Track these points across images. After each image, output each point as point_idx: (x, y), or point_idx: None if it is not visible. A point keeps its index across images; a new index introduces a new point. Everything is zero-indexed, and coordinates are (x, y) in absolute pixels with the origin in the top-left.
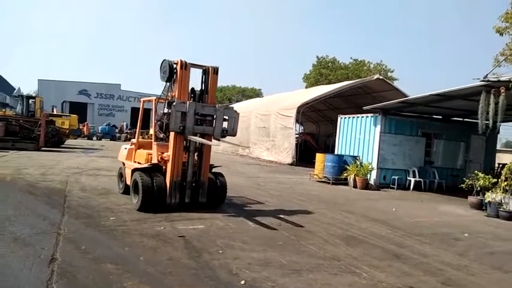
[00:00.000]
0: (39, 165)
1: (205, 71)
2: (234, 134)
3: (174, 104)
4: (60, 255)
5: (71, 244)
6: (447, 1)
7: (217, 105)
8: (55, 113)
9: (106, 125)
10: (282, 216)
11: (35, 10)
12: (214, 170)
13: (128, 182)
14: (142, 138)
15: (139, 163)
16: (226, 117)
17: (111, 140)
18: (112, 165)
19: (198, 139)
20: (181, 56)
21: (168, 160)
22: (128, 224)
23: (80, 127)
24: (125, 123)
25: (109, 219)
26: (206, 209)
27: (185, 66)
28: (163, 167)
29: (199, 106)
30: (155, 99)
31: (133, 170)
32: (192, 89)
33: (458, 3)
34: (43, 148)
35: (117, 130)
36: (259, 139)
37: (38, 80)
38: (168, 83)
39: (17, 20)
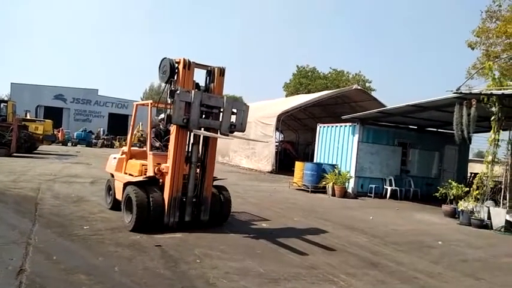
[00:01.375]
0: (10, 172)
1: (210, 72)
2: (242, 130)
3: (178, 92)
4: (30, 266)
5: (41, 254)
6: (424, 15)
7: (225, 97)
8: (28, 117)
9: (82, 131)
10: (260, 224)
11: (10, 9)
12: (216, 182)
13: (118, 196)
14: (120, 145)
15: (131, 175)
16: (235, 111)
17: (87, 146)
18: (87, 172)
19: (204, 132)
20: (155, 64)
21: (167, 172)
22: (103, 233)
23: (55, 133)
24: (101, 129)
25: (82, 228)
26: (209, 228)
27: (188, 66)
28: (161, 180)
29: (206, 96)
30: (151, 103)
31: (126, 184)
32: (197, 84)
33: (436, 17)
34: (15, 154)
35: (93, 136)
36: (239, 147)
37: (11, 83)
38: (167, 85)
39: None
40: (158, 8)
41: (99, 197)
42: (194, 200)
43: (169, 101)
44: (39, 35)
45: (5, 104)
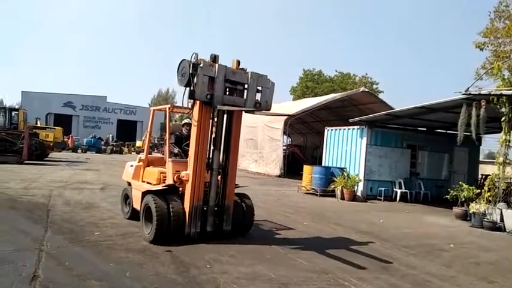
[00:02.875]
0: (22, 179)
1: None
2: (268, 108)
3: (201, 65)
4: (43, 272)
5: (53, 260)
6: (431, 16)
7: (250, 72)
8: (39, 125)
9: (91, 138)
10: (270, 229)
11: (18, 20)
12: (237, 190)
13: (136, 206)
14: (129, 151)
15: (149, 183)
16: (260, 88)
17: (96, 152)
18: (97, 178)
19: (230, 107)
20: (163, 70)
21: (187, 180)
22: (113, 238)
23: (65, 140)
24: (110, 135)
25: (93, 234)
26: (231, 238)
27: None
28: (180, 189)
29: (230, 71)
30: (169, 108)
31: (144, 193)
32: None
33: (442, 18)
34: (26, 161)
35: (102, 142)
36: (247, 151)
37: (22, 91)
38: (187, 88)
39: None
40: (166, 13)
41: (109, 203)
42: (216, 208)
43: (192, 78)
44: (47, 43)
45: (16, 113)
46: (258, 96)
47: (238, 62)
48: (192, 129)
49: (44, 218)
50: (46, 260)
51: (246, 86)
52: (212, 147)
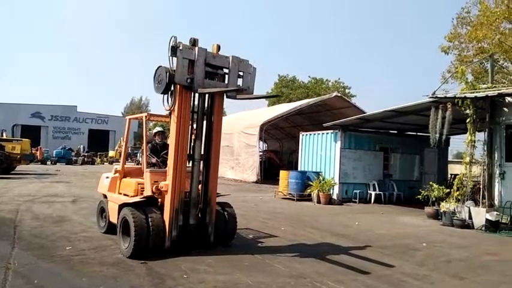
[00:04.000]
0: None
1: (210, 95)
2: (250, 93)
3: (181, 48)
4: None
5: (21, 279)
6: (401, 21)
7: (231, 56)
8: (5, 137)
9: (61, 149)
10: (247, 235)
11: None
12: (219, 199)
13: (112, 219)
14: (101, 161)
15: (126, 195)
16: (241, 74)
17: (67, 164)
18: (68, 191)
19: (212, 89)
20: (139, 77)
21: (166, 191)
22: (86, 252)
23: (33, 151)
24: (81, 146)
25: (65, 249)
26: (214, 249)
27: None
28: (159, 200)
29: (210, 55)
30: (146, 116)
31: (121, 205)
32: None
33: (411, 23)
34: None
35: (73, 153)
36: (223, 158)
37: None
38: (164, 95)
39: None
40: (137, 20)
41: (81, 216)
42: (198, 215)
43: (172, 60)
44: (14, 54)
45: None
46: (240, 82)
47: (219, 47)
48: (171, 121)
49: (11, 234)
50: (13, 279)
51: (227, 70)
52: (193, 138)
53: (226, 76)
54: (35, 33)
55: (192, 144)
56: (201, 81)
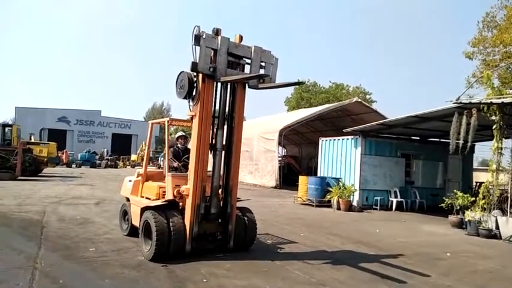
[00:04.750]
0: (15, 196)
1: (232, 85)
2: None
3: (204, 37)
4: None
5: (47, 278)
6: (423, 25)
7: (253, 46)
8: (33, 140)
9: (86, 152)
10: (267, 241)
11: (11, 36)
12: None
13: (135, 222)
14: (124, 165)
15: (148, 198)
16: (263, 64)
17: (91, 167)
18: (91, 193)
19: (234, 77)
20: (158, 83)
21: (187, 195)
22: (108, 254)
23: (59, 155)
24: (105, 149)
25: (88, 250)
26: (233, 254)
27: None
28: (181, 204)
29: (233, 45)
30: (168, 121)
31: (143, 209)
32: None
33: (433, 28)
34: (20, 177)
35: (97, 157)
36: (242, 163)
37: (16, 107)
38: (187, 100)
39: None
40: (161, 26)
41: (104, 218)
42: (220, 204)
43: (195, 49)
44: (41, 58)
45: (10, 129)
46: (262, 72)
47: (241, 37)
48: (195, 109)
49: (37, 234)
50: (40, 278)
51: (249, 61)
52: (216, 127)
53: (248, 66)
54: (61, 40)
55: (215, 134)
56: (223, 70)
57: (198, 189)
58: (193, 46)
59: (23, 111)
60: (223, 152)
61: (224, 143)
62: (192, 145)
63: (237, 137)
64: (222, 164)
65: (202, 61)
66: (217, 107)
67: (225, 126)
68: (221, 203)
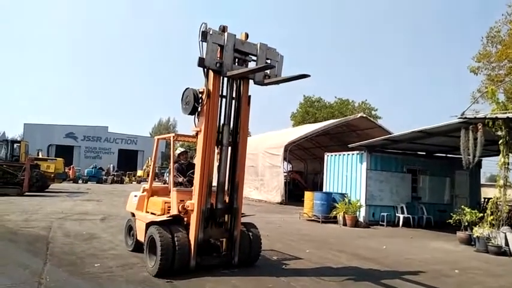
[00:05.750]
0: (22, 211)
1: (238, 83)
2: (277, 82)
3: (211, 33)
4: None
5: None
6: (427, 41)
7: (259, 43)
8: (40, 156)
9: (92, 168)
10: (272, 257)
11: (17, 52)
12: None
13: (140, 237)
14: (130, 180)
15: (153, 214)
16: (269, 61)
17: (97, 182)
18: (97, 209)
19: (239, 71)
20: (163, 99)
21: (192, 210)
22: (114, 270)
23: (66, 170)
24: (111, 165)
25: (94, 266)
26: (238, 269)
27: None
28: (185, 219)
29: (239, 41)
30: (173, 137)
31: (149, 224)
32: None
33: (436, 44)
34: (27, 193)
35: (103, 172)
36: (247, 178)
37: (24, 123)
38: (192, 116)
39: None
40: (166, 43)
41: (110, 234)
42: (225, 200)
43: (202, 45)
44: (48, 75)
45: (18, 145)
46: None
47: (247, 35)
48: (204, 104)
49: (43, 250)
50: None
51: (255, 58)
52: (222, 122)
53: (254, 64)
54: (67, 55)
55: (221, 130)
56: (229, 65)
57: (203, 198)
58: (200, 42)
59: (32, 127)
60: (229, 147)
61: (230, 139)
62: (197, 160)
63: (242, 133)
64: (228, 158)
65: (209, 56)
66: (223, 104)
67: (231, 123)
68: (227, 199)
